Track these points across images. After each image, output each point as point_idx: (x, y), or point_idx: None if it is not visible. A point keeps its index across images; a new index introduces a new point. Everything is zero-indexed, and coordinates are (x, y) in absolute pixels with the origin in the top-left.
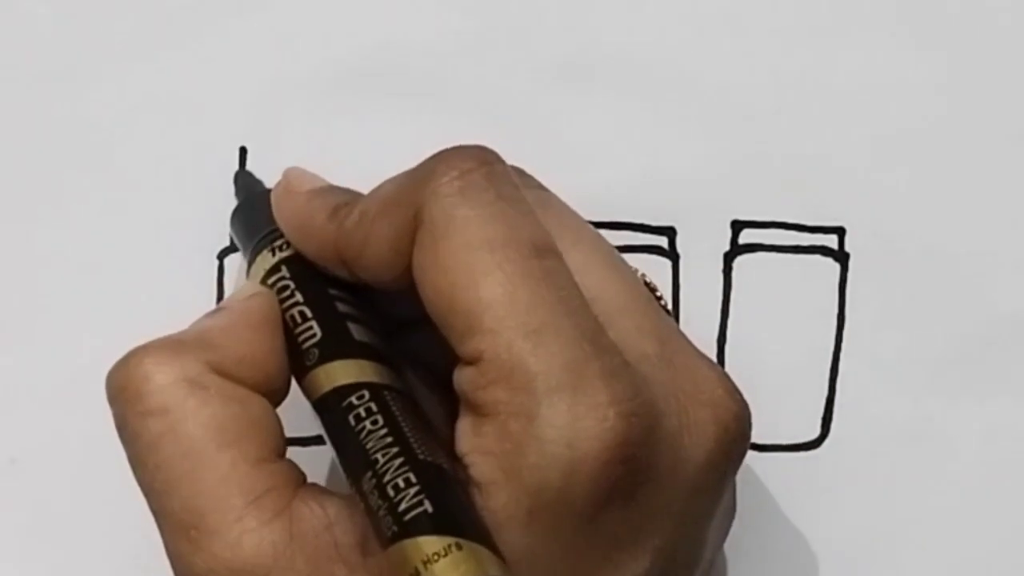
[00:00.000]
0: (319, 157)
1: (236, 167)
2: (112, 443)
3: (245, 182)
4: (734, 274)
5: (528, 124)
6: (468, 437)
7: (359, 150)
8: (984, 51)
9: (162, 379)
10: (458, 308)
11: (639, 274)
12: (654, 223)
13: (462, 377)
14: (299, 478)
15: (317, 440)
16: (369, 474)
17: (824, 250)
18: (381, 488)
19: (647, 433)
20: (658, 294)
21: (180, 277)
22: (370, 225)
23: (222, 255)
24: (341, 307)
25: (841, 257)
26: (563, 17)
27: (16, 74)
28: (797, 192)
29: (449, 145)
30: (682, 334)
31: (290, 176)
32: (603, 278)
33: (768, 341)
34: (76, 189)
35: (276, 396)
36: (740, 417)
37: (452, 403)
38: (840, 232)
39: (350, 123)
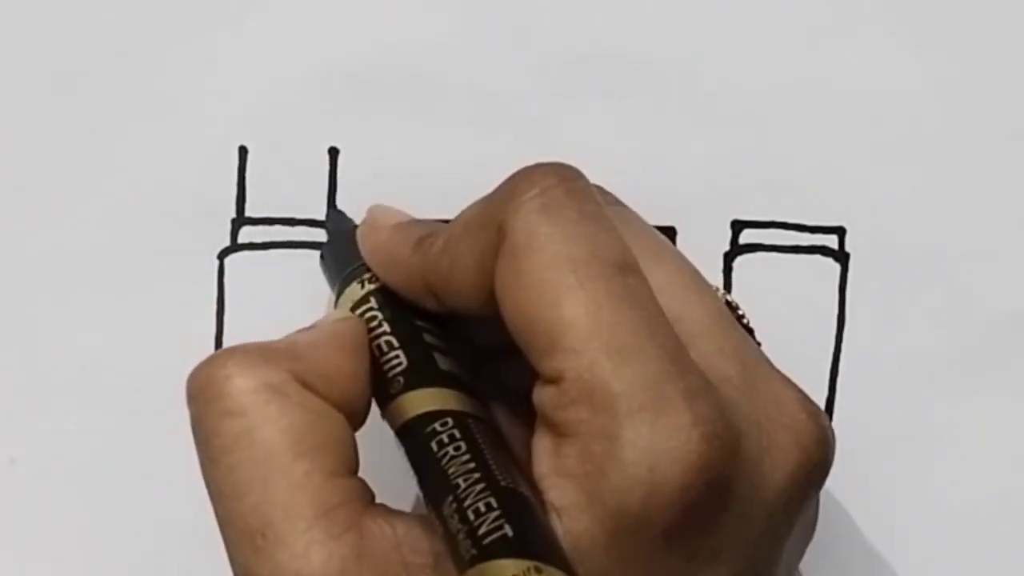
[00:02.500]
0: (319, 157)
1: (236, 167)
2: (112, 443)
3: (335, 219)
4: (734, 274)
5: (528, 124)
6: (548, 457)
7: (359, 150)
8: (984, 51)
9: (244, 382)
10: (540, 326)
11: (719, 293)
12: (654, 223)
13: (542, 396)
14: (370, 496)
15: None
16: (450, 498)
17: (824, 250)
18: (462, 512)
19: (729, 456)
20: (740, 312)
21: (180, 277)
22: (455, 249)
23: (222, 255)
24: (427, 338)
25: (841, 257)
26: (563, 17)
27: (16, 74)
28: (797, 192)
29: (448, 144)
30: (764, 356)
31: (374, 213)
32: (684, 298)
33: (768, 341)
34: (76, 189)
35: (355, 419)
36: (822, 441)
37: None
38: (840, 232)
39: (350, 123)
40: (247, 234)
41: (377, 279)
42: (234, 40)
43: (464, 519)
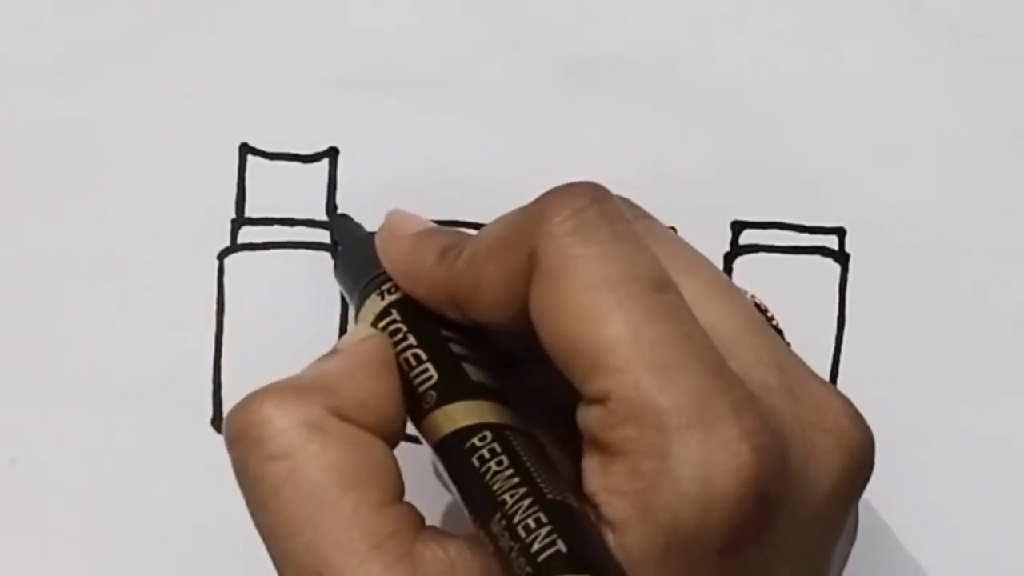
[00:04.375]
0: (319, 157)
1: (236, 167)
2: (112, 443)
3: (344, 227)
4: (734, 274)
5: (529, 124)
6: (597, 476)
7: (359, 150)
8: (984, 51)
9: (283, 423)
10: (581, 348)
11: (749, 296)
12: None
13: (588, 416)
14: (419, 521)
15: None
16: (498, 515)
17: (824, 250)
18: (511, 529)
19: (778, 466)
20: (769, 315)
21: (180, 277)
22: (482, 267)
23: (222, 255)
24: (455, 348)
25: (841, 257)
26: (565, 18)
27: (16, 73)
28: (797, 192)
29: (448, 145)
30: (801, 361)
31: (392, 220)
32: (719, 309)
33: None
34: (76, 189)
35: (393, 439)
36: (864, 445)
37: (567, 437)
38: (840, 232)
39: (351, 123)
40: (247, 234)
41: (397, 289)
42: (235, 40)
43: (515, 536)
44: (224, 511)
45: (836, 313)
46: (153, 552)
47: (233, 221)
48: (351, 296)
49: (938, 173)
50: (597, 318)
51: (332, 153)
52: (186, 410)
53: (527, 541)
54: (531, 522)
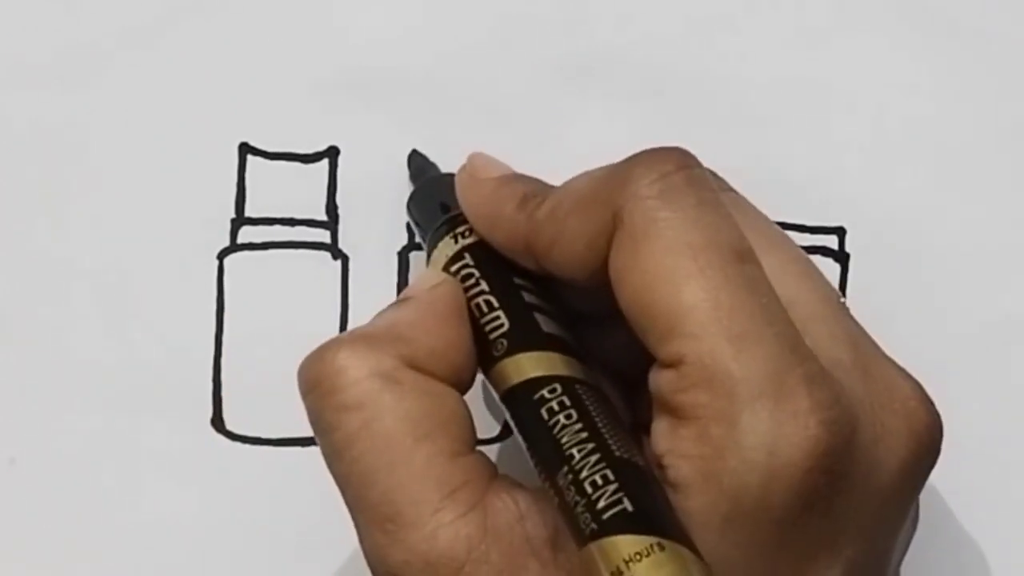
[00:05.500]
0: (319, 157)
1: (236, 166)
2: (112, 443)
3: (419, 164)
4: None
5: (528, 124)
6: (664, 438)
7: (359, 150)
8: (984, 51)
9: (357, 373)
10: (658, 311)
11: None
12: None
13: (659, 379)
14: (491, 471)
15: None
16: (565, 469)
17: (824, 250)
18: (578, 484)
19: (846, 442)
20: (842, 300)
21: (180, 277)
22: (563, 221)
23: (222, 255)
24: (527, 297)
25: (841, 257)
26: (563, 17)
27: (16, 74)
28: (797, 192)
29: (448, 144)
30: (872, 341)
31: (475, 162)
32: (796, 283)
33: None
34: (76, 189)
35: (464, 386)
36: (933, 428)
37: (629, 399)
38: (840, 232)
39: (351, 123)
40: (247, 234)
41: (471, 233)
42: (235, 40)
43: (581, 491)
44: (224, 511)
45: None
46: (153, 552)
47: (233, 221)
48: (423, 236)
49: (938, 173)
50: (677, 282)
51: (332, 153)
52: (186, 410)
53: (593, 497)
54: (598, 478)
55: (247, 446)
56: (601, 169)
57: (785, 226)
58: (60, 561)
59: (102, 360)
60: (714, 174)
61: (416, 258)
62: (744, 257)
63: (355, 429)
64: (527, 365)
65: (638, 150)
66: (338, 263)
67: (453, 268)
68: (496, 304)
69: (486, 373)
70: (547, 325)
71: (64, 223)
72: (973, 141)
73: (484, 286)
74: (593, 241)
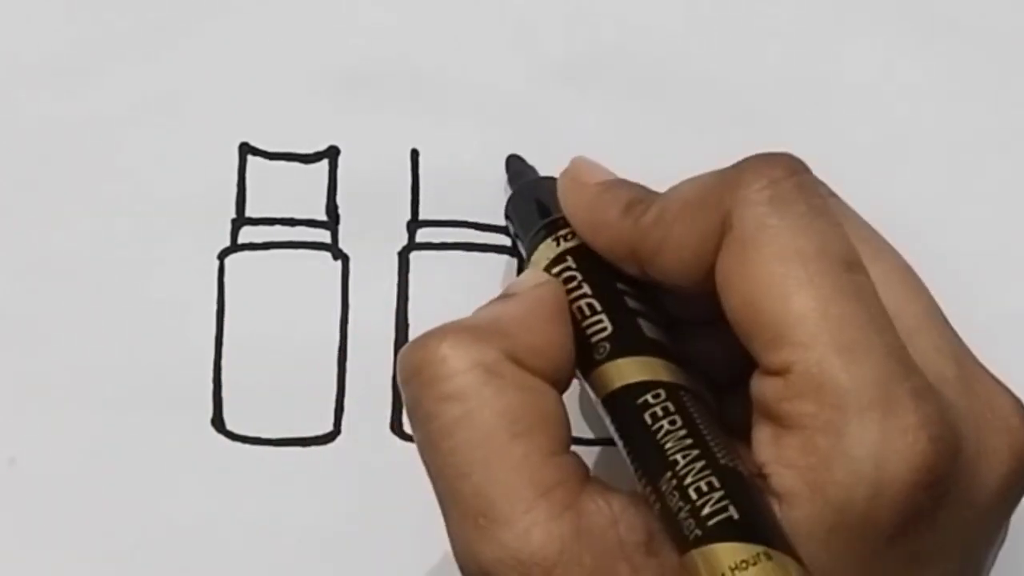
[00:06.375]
0: (320, 157)
1: (236, 167)
2: (112, 443)
3: (516, 168)
4: None
5: (528, 124)
6: (767, 446)
7: (359, 150)
8: (984, 51)
9: (459, 364)
10: (766, 319)
11: None
12: None
13: (764, 386)
14: (585, 472)
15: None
16: (668, 475)
17: None
18: (682, 490)
19: (951, 458)
20: None
21: (180, 277)
22: (670, 226)
23: (222, 255)
24: (630, 302)
25: None
26: (564, 16)
27: (16, 74)
28: None
29: (447, 143)
30: (974, 356)
31: (579, 166)
32: (901, 294)
33: None
34: (76, 189)
35: (562, 386)
36: None
37: (726, 408)
38: None
39: (351, 123)
40: (247, 234)
41: (572, 236)
42: (235, 40)
43: (685, 498)
44: (224, 511)
45: None
46: (153, 552)
47: (233, 221)
48: (522, 238)
49: (938, 173)
50: (786, 290)
51: (332, 153)
52: (186, 410)
53: (698, 504)
54: (703, 485)
55: (247, 446)
56: (709, 174)
57: None
58: (60, 561)
59: (102, 360)
60: (819, 180)
61: (416, 258)
62: (853, 267)
63: (454, 420)
64: (629, 370)
65: (636, 149)
66: (338, 263)
67: (554, 270)
68: (599, 308)
69: (585, 376)
70: (649, 330)
71: (64, 223)
72: (974, 141)
73: (586, 289)
74: (699, 246)
